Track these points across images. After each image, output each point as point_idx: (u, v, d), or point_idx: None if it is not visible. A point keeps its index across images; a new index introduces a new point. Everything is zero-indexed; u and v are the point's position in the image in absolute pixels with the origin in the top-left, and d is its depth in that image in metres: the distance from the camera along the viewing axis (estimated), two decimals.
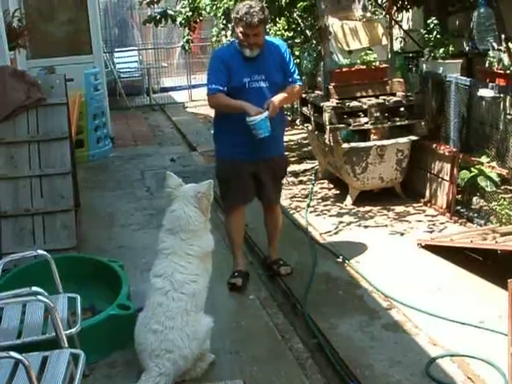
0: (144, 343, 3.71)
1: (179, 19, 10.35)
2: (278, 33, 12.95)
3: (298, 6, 9.96)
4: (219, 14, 9.87)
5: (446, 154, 6.44)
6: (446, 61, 6.75)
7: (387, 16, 7.59)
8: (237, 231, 5.29)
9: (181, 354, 3.67)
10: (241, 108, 4.74)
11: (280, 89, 4.97)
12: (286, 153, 9.28)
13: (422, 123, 6.87)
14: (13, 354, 2.71)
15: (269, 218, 5.45)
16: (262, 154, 4.97)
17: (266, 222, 5.49)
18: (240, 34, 4.78)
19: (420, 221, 6.39)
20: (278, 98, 4.89)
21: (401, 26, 9.51)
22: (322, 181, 7.92)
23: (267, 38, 5.06)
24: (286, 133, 10.69)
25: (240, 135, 4.84)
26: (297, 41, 11.75)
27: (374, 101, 6.86)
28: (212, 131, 5.48)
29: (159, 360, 3.63)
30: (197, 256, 3.99)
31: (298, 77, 5.17)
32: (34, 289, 3.29)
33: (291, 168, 8.61)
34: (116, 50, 16.99)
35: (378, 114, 6.79)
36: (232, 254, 5.37)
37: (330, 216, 6.73)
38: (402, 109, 7.00)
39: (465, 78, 6.43)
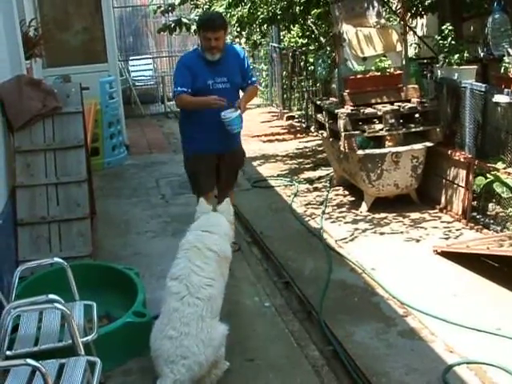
0: (160, 349, 3.71)
1: (193, 27, 10.38)
2: (293, 40, 13.03)
3: (312, 13, 9.98)
4: (233, 22, 9.89)
5: (462, 160, 6.42)
6: (461, 67, 6.74)
7: (401, 22, 7.59)
8: None
9: (196, 361, 3.66)
10: (204, 103, 5.30)
11: (239, 89, 5.62)
12: (301, 160, 9.41)
13: (437, 129, 6.84)
14: (30, 361, 2.72)
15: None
16: (225, 147, 5.57)
17: None
18: (203, 39, 5.36)
19: (436, 227, 6.37)
20: (245, 98, 5.58)
21: (415, 33, 9.52)
22: (337, 187, 7.91)
23: (228, 44, 5.70)
24: (301, 140, 10.84)
25: (205, 133, 5.43)
26: (311, 48, 11.80)
27: (388, 107, 6.84)
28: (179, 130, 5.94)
29: (174, 366, 3.62)
30: (214, 258, 4.08)
31: (255, 78, 5.89)
32: (51, 296, 3.31)
33: (306, 175, 8.62)
34: (131, 58, 17.04)
35: (393, 120, 6.77)
36: None
37: (346, 223, 6.72)
38: (416, 115, 6.98)
39: (480, 83, 6.41)
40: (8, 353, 3.32)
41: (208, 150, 5.54)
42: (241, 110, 5.36)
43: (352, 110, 6.85)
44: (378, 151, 6.82)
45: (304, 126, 11.98)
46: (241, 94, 5.66)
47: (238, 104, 5.37)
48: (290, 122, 12.68)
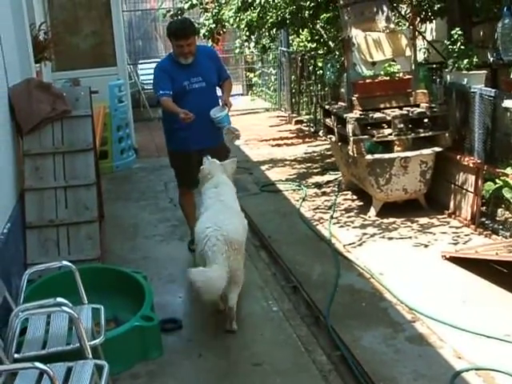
0: (203, 233, 4.51)
1: (203, 31, 10.42)
2: (301, 44, 13.04)
3: (321, 17, 9.98)
4: (242, 26, 9.92)
5: (471, 165, 6.40)
6: (471, 72, 6.72)
7: (411, 27, 7.58)
8: (189, 207, 6.20)
9: (233, 237, 4.49)
10: (176, 113, 5.56)
11: (215, 87, 5.99)
12: (309, 164, 9.41)
13: (446, 134, 6.83)
14: (38, 364, 2.73)
15: None
16: (205, 144, 5.76)
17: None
18: (176, 47, 5.69)
19: (444, 233, 6.35)
20: (227, 95, 5.92)
21: (424, 37, 9.51)
22: (345, 192, 7.90)
23: (198, 45, 5.96)
24: (309, 144, 10.85)
25: (188, 130, 5.65)
26: (320, 52, 11.80)
27: (397, 112, 6.83)
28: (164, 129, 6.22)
29: (213, 241, 4.43)
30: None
31: (227, 73, 6.27)
32: (59, 300, 3.31)
33: (314, 179, 8.61)
34: (140, 61, 17.10)
35: (402, 125, 6.76)
36: (188, 225, 6.18)
37: (354, 227, 6.71)
38: (425, 120, 6.97)
39: (489, 89, 6.39)
40: (16, 356, 3.32)
41: (189, 148, 5.82)
42: (228, 107, 5.76)
43: (361, 114, 6.85)
44: (386, 156, 6.81)
45: (312, 130, 11.99)
46: (218, 91, 6.08)
47: (224, 102, 5.81)
48: (298, 126, 12.69)
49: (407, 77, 7.06)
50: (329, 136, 7.89)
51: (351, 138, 6.76)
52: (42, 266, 4.14)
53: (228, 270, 4.39)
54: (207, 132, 5.71)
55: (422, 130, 6.89)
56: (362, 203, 7.38)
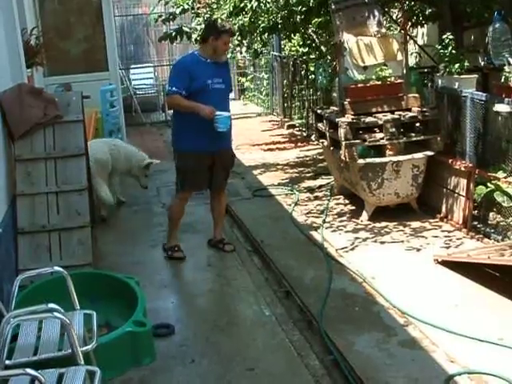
0: None
1: (194, 36, 10.43)
2: (293, 48, 13.06)
3: (313, 22, 10.00)
4: (234, 31, 9.91)
5: (462, 169, 6.41)
6: (462, 76, 6.74)
7: (402, 31, 7.60)
8: (181, 213, 6.23)
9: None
10: (193, 109, 5.65)
11: (229, 91, 6.18)
12: (302, 168, 9.42)
13: (438, 138, 6.84)
14: (29, 370, 2.71)
15: (217, 203, 6.33)
16: (218, 146, 5.87)
17: (214, 207, 6.36)
18: (222, 44, 5.78)
19: (436, 236, 6.36)
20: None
21: (416, 42, 9.55)
22: (337, 196, 7.91)
23: None
24: (301, 148, 10.87)
25: (201, 131, 5.69)
26: (312, 56, 11.83)
27: (389, 116, 6.84)
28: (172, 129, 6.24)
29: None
30: None
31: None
32: (51, 305, 3.30)
33: (306, 184, 8.62)
34: (132, 66, 17.12)
35: (394, 129, 6.77)
36: (170, 232, 6.26)
37: (346, 232, 6.71)
38: (417, 124, 6.98)
39: (480, 93, 6.41)
40: (7, 362, 3.30)
41: (201, 149, 5.82)
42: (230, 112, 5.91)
43: (353, 118, 6.86)
44: (378, 160, 6.82)
45: (305, 134, 12.01)
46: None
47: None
48: (290, 130, 12.70)
49: (399, 81, 7.08)
50: (321, 140, 7.90)
51: (343, 143, 6.77)
52: (34, 271, 4.12)
53: None
54: (220, 134, 5.77)
55: (413, 134, 6.90)
56: (354, 207, 7.39)
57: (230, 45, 11.76)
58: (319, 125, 7.84)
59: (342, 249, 6.23)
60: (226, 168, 6.16)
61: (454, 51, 6.84)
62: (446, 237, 6.32)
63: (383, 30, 7.35)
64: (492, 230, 6.08)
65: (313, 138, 10.06)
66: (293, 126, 12.86)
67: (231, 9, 9.46)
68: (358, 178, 6.89)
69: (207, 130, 5.65)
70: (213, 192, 6.28)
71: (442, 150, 6.85)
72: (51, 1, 10.11)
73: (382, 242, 6.34)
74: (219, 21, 6.16)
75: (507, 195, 5.93)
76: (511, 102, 5.90)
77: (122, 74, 14.73)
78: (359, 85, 7.04)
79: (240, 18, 9.61)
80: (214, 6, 10.32)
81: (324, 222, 7.03)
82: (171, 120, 6.43)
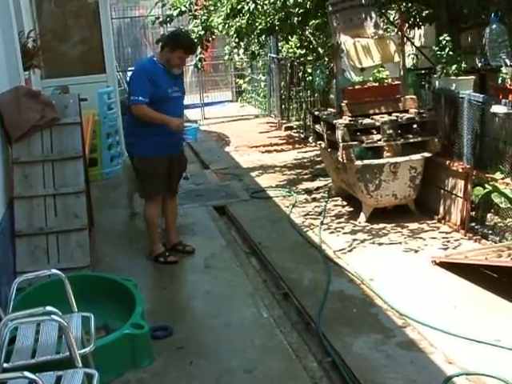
0: None
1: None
2: (291, 50, 13.06)
3: (310, 23, 10.00)
4: (231, 33, 9.91)
5: (460, 170, 6.42)
6: (459, 77, 6.76)
7: (399, 33, 7.60)
8: (157, 217, 6.28)
9: None
10: (163, 121, 5.77)
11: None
12: (299, 170, 9.42)
13: (435, 140, 6.85)
14: (27, 373, 2.71)
15: (170, 206, 6.38)
16: (174, 150, 6.08)
17: (168, 210, 6.39)
18: (177, 58, 5.83)
19: (434, 238, 6.36)
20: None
21: (413, 43, 9.55)
22: (335, 198, 7.91)
23: None
24: (299, 150, 10.87)
25: (160, 136, 5.79)
26: (309, 58, 11.83)
27: (386, 118, 6.85)
28: (132, 134, 6.16)
29: None
30: None
31: None
32: (48, 308, 3.30)
33: (304, 185, 8.62)
34: (129, 69, 17.06)
35: (391, 131, 6.77)
36: (151, 237, 6.24)
37: (344, 233, 6.72)
38: (414, 126, 6.99)
39: (478, 94, 6.43)
40: (5, 365, 3.29)
41: (163, 152, 5.94)
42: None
43: (350, 120, 6.86)
44: (376, 162, 6.82)
45: (302, 136, 12.01)
46: None
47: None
48: (288, 132, 12.70)
49: (396, 82, 7.10)
50: (318, 142, 7.90)
51: (341, 144, 6.78)
52: (32, 274, 4.11)
53: None
54: (177, 139, 6.10)
55: (411, 136, 6.91)
56: (351, 209, 7.39)
57: (228, 46, 11.87)
58: (317, 126, 7.84)
59: (340, 250, 6.23)
60: (180, 172, 6.39)
61: (451, 53, 6.86)
62: (443, 238, 6.32)
63: (380, 32, 7.34)
64: (490, 232, 6.08)
65: (310, 139, 10.06)
66: (290, 128, 12.86)
67: (228, 11, 9.46)
68: (356, 179, 6.89)
69: (164, 134, 5.79)
70: (168, 195, 6.29)
71: (439, 151, 6.85)
72: (48, 3, 10.07)
73: (380, 244, 6.34)
74: (188, 34, 6.49)
75: (505, 196, 5.94)
76: (508, 103, 5.91)
77: (120, 76, 14.70)
78: (356, 86, 7.05)
79: (237, 19, 9.61)
80: (211, 8, 10.31)
81: (322, 223, 7.03)
82: (125, 126, 6.57)
